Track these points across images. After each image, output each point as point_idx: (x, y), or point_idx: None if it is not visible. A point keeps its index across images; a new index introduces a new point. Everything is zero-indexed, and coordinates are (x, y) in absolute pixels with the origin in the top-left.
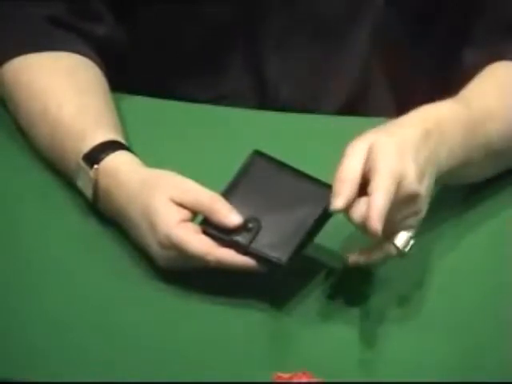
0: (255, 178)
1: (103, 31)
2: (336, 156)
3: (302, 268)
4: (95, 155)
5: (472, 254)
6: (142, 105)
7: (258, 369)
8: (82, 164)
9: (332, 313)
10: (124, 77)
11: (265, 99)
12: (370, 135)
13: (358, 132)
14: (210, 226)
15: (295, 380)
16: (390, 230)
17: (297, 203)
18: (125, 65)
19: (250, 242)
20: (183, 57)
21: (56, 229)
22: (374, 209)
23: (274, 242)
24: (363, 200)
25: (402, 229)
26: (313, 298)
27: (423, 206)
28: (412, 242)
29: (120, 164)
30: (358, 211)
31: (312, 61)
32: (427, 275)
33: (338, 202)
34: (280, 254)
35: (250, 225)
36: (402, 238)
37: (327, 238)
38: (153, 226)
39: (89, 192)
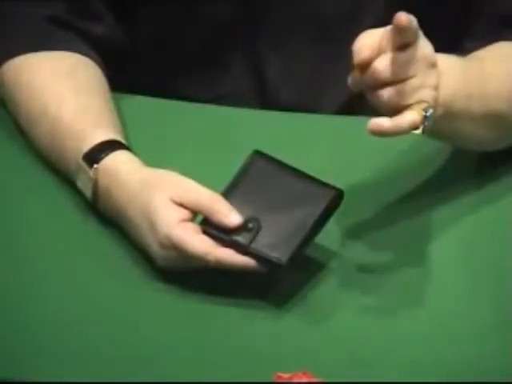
0: (255, 178)
1: (103, 31)
2: (336, 156)
3: (302, 268)
4: (95, 155)
5: (473, 246)
6: (142, 105)
7: (258, 369)
8: (82, 164)
9: (332, 313)
10: (124, 77)
11: (265, 99)
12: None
13: (358, 132)
14: (210, 226)
15: (295, 380)
16: (407, 96)
17: (297, 203)
18: (125, 65)
19: (250, 241)
20: (183, 57)
21: (56, 229)
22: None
23: (274, 242)
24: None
25: (417, 98)
26: (313, 298)
27: (437, 83)
28: (429, 113)
29: (120, 164)
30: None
31: (312, 61)
32: (427, 272)
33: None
34: (280, 254)
35: (250, 225)
36: (417, 112)
37: (327, 237)
38: (153, 226)
39: (88, 192)
